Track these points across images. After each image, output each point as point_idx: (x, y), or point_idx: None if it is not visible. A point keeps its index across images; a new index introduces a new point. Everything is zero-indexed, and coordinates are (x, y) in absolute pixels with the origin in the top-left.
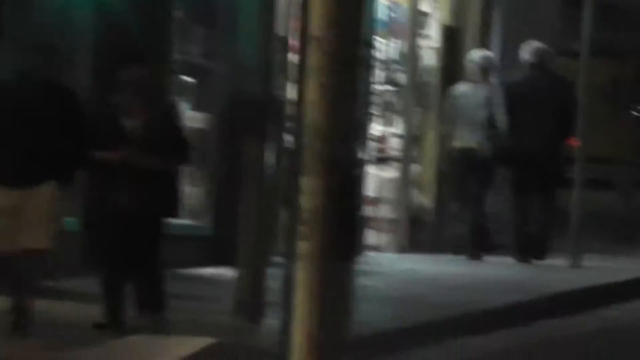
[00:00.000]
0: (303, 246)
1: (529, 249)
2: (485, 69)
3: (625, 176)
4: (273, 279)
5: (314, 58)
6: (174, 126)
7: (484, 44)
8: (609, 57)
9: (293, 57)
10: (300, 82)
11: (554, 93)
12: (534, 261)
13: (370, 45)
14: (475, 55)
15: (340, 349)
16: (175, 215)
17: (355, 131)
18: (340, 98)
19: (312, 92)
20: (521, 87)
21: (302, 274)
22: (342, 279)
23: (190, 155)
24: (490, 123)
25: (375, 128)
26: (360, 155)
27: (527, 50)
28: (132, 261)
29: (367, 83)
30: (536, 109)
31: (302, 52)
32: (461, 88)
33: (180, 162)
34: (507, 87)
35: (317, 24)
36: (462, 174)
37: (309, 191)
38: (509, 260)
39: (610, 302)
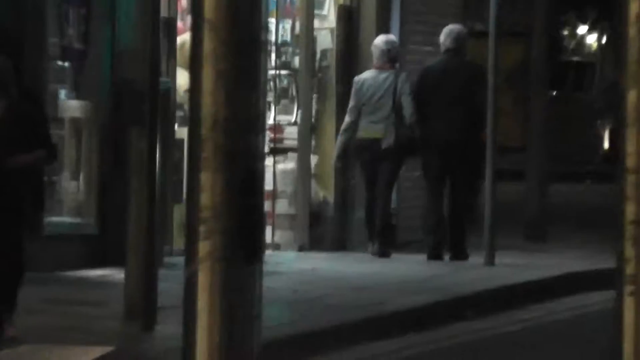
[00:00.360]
0: (204, 246)
1: (443, 246)
2: (391, 54)
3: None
4: (167, 281)
5: (209, 43)
6: (37, 118)
7: (383, 24)
8: (516, 37)
9: (181, 41)
10: (195, 69)
11: (470, 79)
12: (448, 259)
13: (266, 27)
14: (380, 40)
15: (249, 356)
16: (39, 213)
17: (257, 121)
18: (240, 85)
19: (209, 80)
20: (437, 73)
21: (204, 277)
22: (248, 280)
23: (55, 150)
24: (397, 111)
25: (269, 116)
26: (261, 146)
27: (447, 34)
28: None
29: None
30: (453, 95)
31: (196, 36)
32: (365, 75)
33: (44, 158)
34: (422, 73)
35: (211, 6)
36: (366, 166)
37: (209, 187)
38: (419, 257)
39: (525, 302)
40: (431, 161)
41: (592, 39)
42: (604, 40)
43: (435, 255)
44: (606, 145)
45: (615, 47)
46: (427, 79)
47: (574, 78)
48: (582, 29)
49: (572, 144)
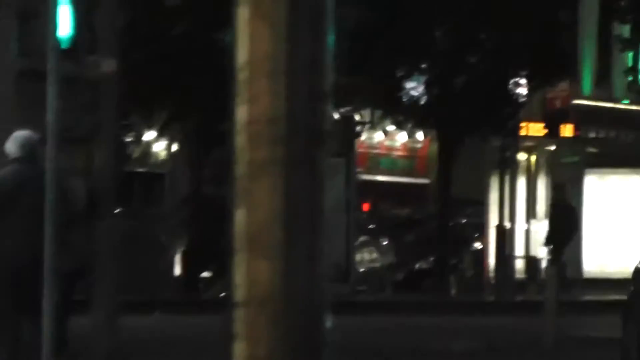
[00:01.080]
0: None
1: None
2: None
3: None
4: None
5: None
6: None
7: None
8: (76, 141)
9: None
10: None
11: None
12: None
13: None
14: None
15: None
16: None
17: None
18: None
19: None
20: (8, 184)
21: None
22: None
23: None
24: None
25: None
26: None
27: (14, 141)
28: None
29: None
30: (29, 209)
31: None
32: None
33: None
34: None
35: None
36: None
37: None
38: None
39: None
40: (2, 289)
41: (161, 146)
42: (174, 147)
43: None
44: (179, 270)
45: (188, 156)
46: None
47: (143, 191)
48: (149, 135)
49: (142, 267)
